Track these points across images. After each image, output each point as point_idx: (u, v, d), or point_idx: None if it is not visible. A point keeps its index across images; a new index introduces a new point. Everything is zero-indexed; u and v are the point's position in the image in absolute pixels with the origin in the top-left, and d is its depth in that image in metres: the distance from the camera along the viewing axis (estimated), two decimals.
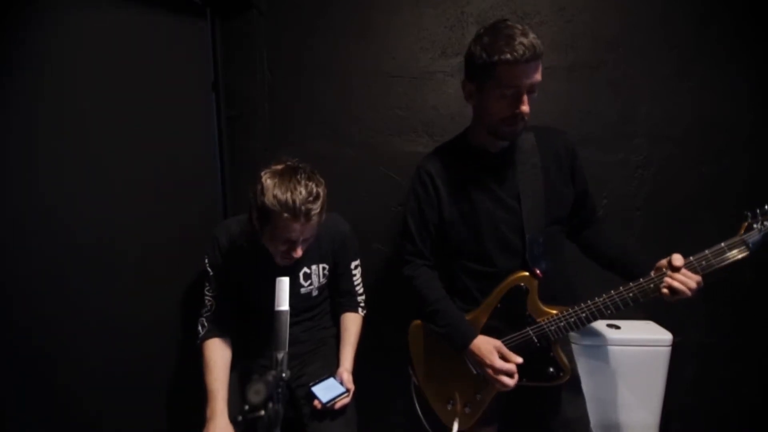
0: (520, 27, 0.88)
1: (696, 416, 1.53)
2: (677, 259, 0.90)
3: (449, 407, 1.10)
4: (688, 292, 0.88)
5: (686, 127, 1.39)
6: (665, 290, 0.90)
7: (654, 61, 1.37)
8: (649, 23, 1.36)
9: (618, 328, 1.38)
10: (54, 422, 0.85)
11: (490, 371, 0.97)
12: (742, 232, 0.90)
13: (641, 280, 0.94)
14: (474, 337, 1.01)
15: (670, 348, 1.32)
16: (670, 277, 0.90)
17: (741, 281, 1.43)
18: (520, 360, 0.97)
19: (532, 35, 0.86)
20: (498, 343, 1.00)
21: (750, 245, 0.88)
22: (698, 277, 0.89)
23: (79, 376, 0.90)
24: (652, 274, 0.94)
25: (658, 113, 1.40)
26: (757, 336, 1.46)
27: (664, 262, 0.93)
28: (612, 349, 1.33)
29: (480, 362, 0.99)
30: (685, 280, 0.88)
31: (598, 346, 1.33)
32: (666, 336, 1.33)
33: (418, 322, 1.16)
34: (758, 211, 0.90)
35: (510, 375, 0.96)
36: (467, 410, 1.08)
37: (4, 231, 0.76)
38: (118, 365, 1.01)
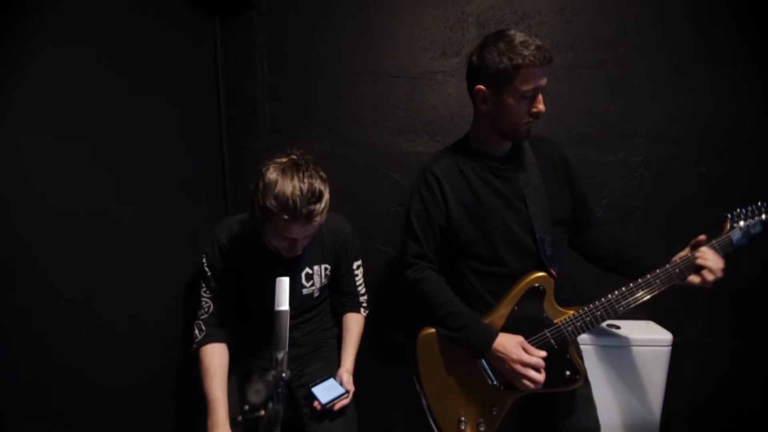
0: (525, 33, 0.94)
1: (696, 416, 1.53)
2: (702, 238, 0.98)
3: (462, 427, 1.05)
4: (719, 273, 0.93)
5: (686, 127, 1.40)
6: (698, 275, 0.94)
7: (654, 61, 1.37)
8: (649, 23, 1.36)
9: (618, 328, 1.38)
10: (56, 427, 0.84)
11: (518, 366, 0.94)
12: (727, 229, 0.99)
13: (668, 265, 0.97)
14: (496, 335, 0.98)
15: (670, 348, 1.32)
16: (701, 257, 0.94)
17: (741, 281, 1.43)
18: (544, 354, 0.96)
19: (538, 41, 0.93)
20: (520, 338, 0.98)
21: (734, 242, 0.98)
22: (722, 260, 0.95)
23: (77, 381, 0.89)
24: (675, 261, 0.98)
25: (658, 113, 1.40)
26: (757, 336, 1.46)
27: (684, 252, 0.99)
28: (612, 349, 1.33)
29: (506, 359, 0.96)
30: (716, 259, 0.94)
31: (598, 346, 1.33)
32: (666, 336, 1.33)
33: (429, 330, 1.09)
34: (735, 212, 0.99)
35: (537, 370, 0.95)
36: (482, 429, 1.04)
37: (3, 232, 0.76)
38: (118, 368, 1.00)
